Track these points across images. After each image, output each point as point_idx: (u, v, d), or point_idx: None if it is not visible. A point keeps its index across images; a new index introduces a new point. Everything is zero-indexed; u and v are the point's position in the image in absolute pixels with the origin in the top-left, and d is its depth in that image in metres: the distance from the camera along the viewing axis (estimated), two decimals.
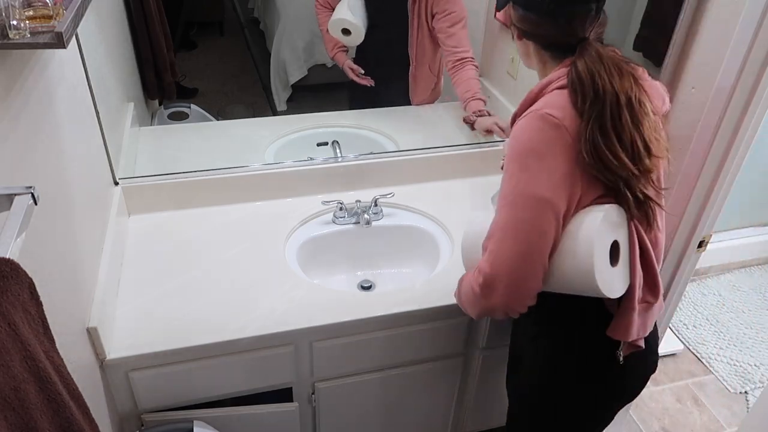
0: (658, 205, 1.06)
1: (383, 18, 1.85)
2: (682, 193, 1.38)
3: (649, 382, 2.18)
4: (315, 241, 1.69)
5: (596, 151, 0.96)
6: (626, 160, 0.98)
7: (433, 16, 1.79)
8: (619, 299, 1.08)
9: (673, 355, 2.35)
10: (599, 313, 1.11)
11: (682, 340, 2.42)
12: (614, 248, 1.04)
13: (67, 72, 1.22)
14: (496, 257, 1.02)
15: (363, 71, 1.93)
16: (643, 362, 1.20)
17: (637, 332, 1.09)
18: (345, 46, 1.91)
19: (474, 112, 1.88)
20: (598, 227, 0.99)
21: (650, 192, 1.02)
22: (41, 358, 0.71)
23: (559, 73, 1.04)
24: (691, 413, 2.13)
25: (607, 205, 1.02)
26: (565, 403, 1.22)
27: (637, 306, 1.07)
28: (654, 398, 2.18)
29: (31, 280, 0.72)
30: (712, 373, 2.29)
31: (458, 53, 1.83)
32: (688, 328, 2.48)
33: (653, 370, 1.25)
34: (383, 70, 1.95)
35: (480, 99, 1.89)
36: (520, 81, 1.97)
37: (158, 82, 1.82)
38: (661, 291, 1.13)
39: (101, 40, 1.49)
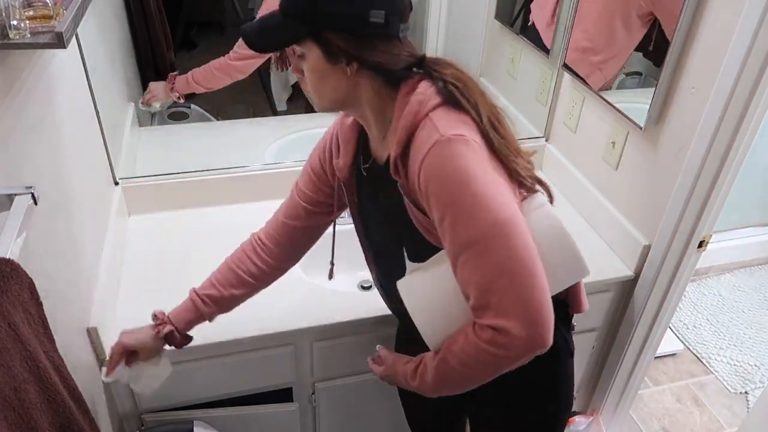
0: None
1: None
2: (682, 193, 1.38)
3: (649, 382, 2.21)
4: None
5: (506, 151, 0.94)
6: (521, 151, 0.98)
7: None
8: None
9: (673, 355, 2.35)
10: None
11: (682, 340, 2.42)
12: None
13: (67, 72, 1.22)
14: (511, 306, 0.87)
15: None
16: None
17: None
18: None
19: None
20: (555, 213, 1.01)
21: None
22: (41, 358, 0.71)
23: (421, 97, 0.91)
24: (691, 413, 2.13)
25: (537, 194, 1.02)
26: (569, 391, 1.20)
27: None
28: (654, 398, 2.18)
29: (31, 280, 0.72)
30: (712, 373, 2.29)
31: None
32: (688, 328, 2.48)
33: None
34: None
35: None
36: (520, 81, 1.97)
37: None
38: None
39: (101, 40, 1.49)
